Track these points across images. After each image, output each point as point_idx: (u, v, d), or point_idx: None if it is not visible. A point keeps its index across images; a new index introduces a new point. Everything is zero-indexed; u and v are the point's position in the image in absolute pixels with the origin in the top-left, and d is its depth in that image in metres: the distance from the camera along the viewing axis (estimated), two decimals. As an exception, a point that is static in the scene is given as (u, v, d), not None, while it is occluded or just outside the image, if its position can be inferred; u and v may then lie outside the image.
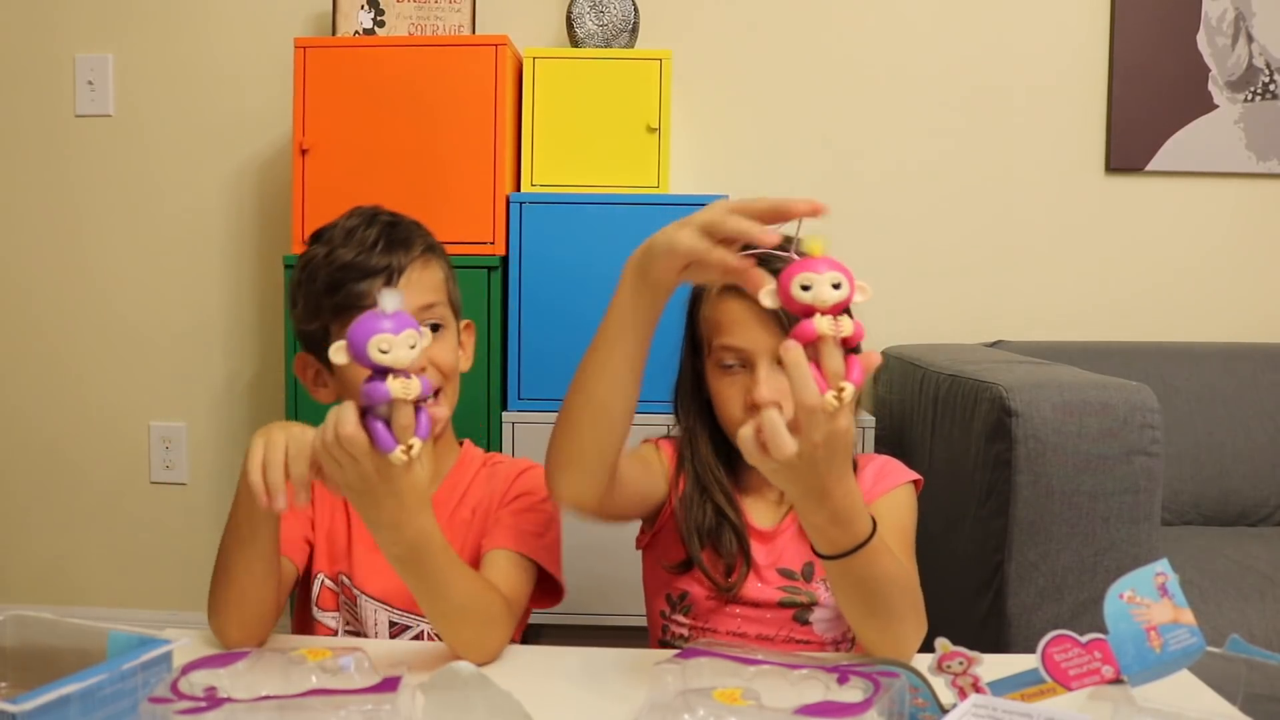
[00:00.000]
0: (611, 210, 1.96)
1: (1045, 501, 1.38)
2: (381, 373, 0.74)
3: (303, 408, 1.92)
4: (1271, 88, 2.29)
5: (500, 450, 1.94)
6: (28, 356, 2.46)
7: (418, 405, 0.77)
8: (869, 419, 1.94)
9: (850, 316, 0.73)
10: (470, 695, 0.71)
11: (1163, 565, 0.79)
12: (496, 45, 1.98)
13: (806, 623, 1.08)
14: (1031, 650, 0.76)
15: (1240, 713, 0.79)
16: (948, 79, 2.33)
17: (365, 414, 0.77)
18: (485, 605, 0.93)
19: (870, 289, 0.73)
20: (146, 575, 2.46)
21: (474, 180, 1.98)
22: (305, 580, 1.12)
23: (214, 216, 2.41)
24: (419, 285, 1.06)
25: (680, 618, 1.11)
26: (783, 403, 0.74)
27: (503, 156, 1.99)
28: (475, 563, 1.06)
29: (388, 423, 0.76)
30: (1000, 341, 2.23)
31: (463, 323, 1.16)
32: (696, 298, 1.11)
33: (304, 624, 1.13)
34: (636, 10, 2.15)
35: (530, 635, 1.23)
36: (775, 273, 0.75)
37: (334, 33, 2.16)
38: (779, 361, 0.97)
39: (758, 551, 1.09)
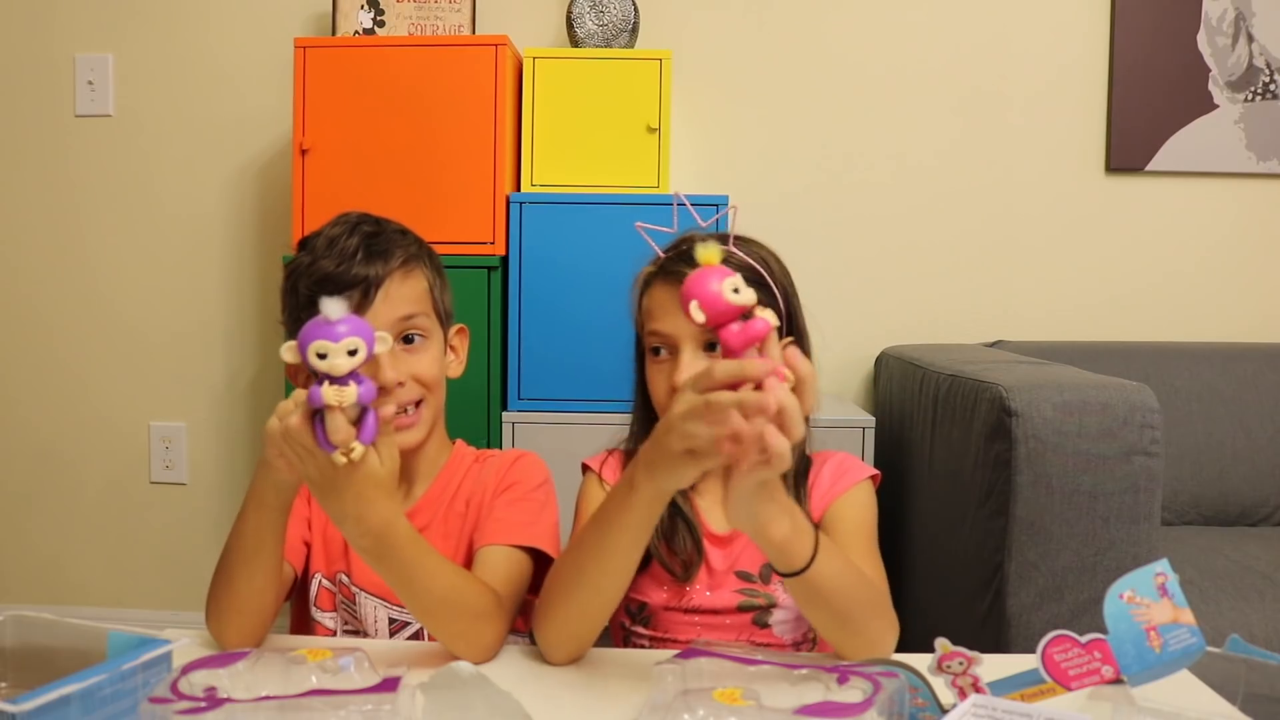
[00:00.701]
0: (611, 210, 1.96)
1: (1045, 501, 1.38)
2: (321, 378, 0.76)
3: (303, 408, 1.91)
4: (1271, 88, 2.29)
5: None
6: (28, 356, 2.46)
7: (366, 408, 0.79)
8: (869, 419, 1.94)
9: (755, 315, 0.75)
10: (470, 695, 0.71)
11: (1163, 565, 0.79)
12: (496, 45, 1.98)
13: (766, 625, 1.07)
14: (1031, 650, 0.76)
15: (1240, 713, 0.79)
16: (947, 79, 2.33)
17: (317, 412, 0.79)
18: (470, 599, 0.93)
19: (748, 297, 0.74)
20: (146, 575, 2.46)
21: (474, 180, 1.98)
22: (303, 581, 1.12)
23: (214, 216, 2.41)
24: (396, 298, 1.05)
25: (640, 629, 1.11)
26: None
27: (503, 156, 1.99)
28: (471, 555, 1.06)
29: None
30: (1000, 341, 2.24)
31: (455, 328, 1.16)
32: (639, 293, 1.11)
33: (302, 624, 1.13)
34: (636, 10, 2.15)
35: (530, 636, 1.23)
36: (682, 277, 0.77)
37: (334, 33, 2.16)
38: (705, 347, 0.99)
39: (714, 556, 1.09)
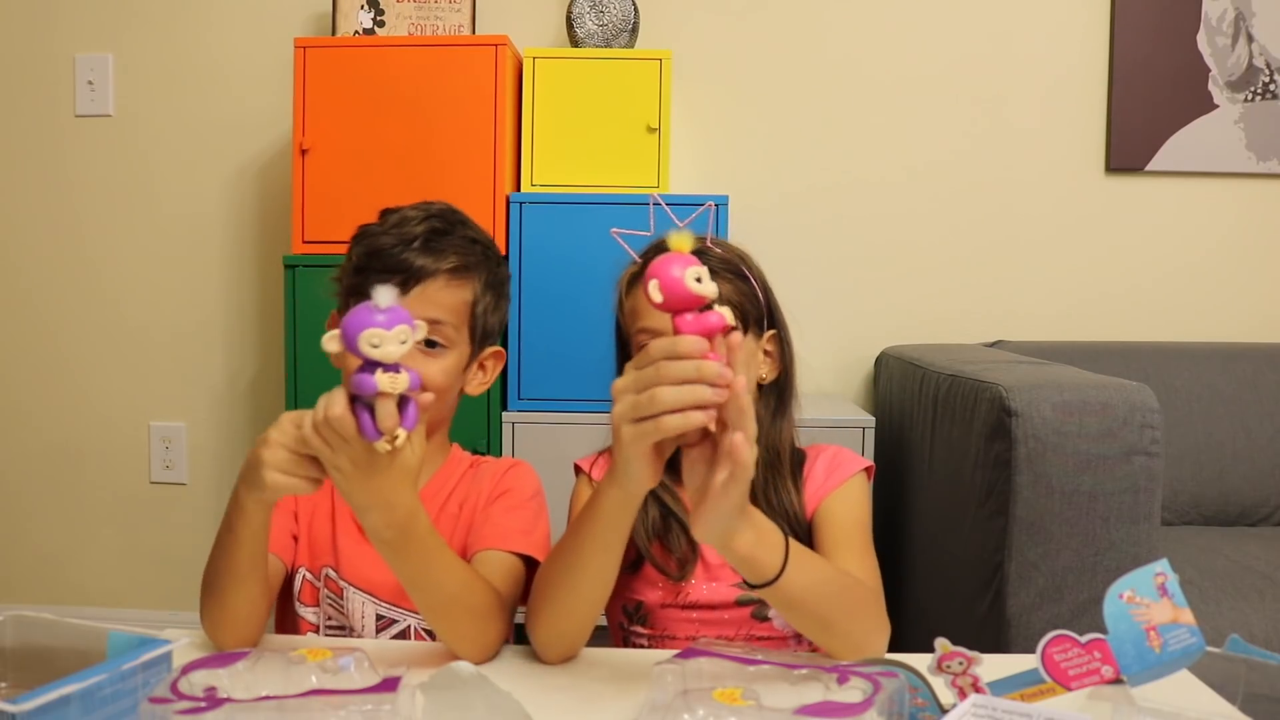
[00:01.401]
0: (611, 210, 1.96)
1: (1045, 501, 1.38)
2: (371, 366, 0.76)
3: (303, 408, 1.92)
4: (1271, 88, 2.29)
5: (499, 450, 1.94)
6: (28, 356, 2.46)
7: (406, 396, 0.79)
8: (869, 419, 1.94)
9: (713, 309, 0.75)
10: (470, 695, 0.71)
11: (1162, 565, 0.79)
12: (496, 45, 1.98)
13: (765, 619, 1.07)
14: (1031, 650, 0.76)
15: (1240, 713, 0.79)
16: (947, 79, 2.33)
17: (355, 400, 0.79)
18: (479, 598, 0.93)
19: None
20: (146, 575, 2.46)
21: (474, 180, 1.98)
22: (287, 575, 1.12)
23: (214, 216, 2.41)
24: (432, 300, 1.04)
25: (639, 628, 1.11)
26: None
27: (503, 156, 1.99)
28: (463, 558, 1.06)
29: (374, 412, 0.78)
30: (1000, 341, 2.24)
31: (492, 349, 1.14)
32: (620, 297, 1.10)
33: (285, 617, 1.12)
34: (636, 10, 2.15)
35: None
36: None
37: (334, 33, 2.16)
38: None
39: (710, 550, 1.09)
